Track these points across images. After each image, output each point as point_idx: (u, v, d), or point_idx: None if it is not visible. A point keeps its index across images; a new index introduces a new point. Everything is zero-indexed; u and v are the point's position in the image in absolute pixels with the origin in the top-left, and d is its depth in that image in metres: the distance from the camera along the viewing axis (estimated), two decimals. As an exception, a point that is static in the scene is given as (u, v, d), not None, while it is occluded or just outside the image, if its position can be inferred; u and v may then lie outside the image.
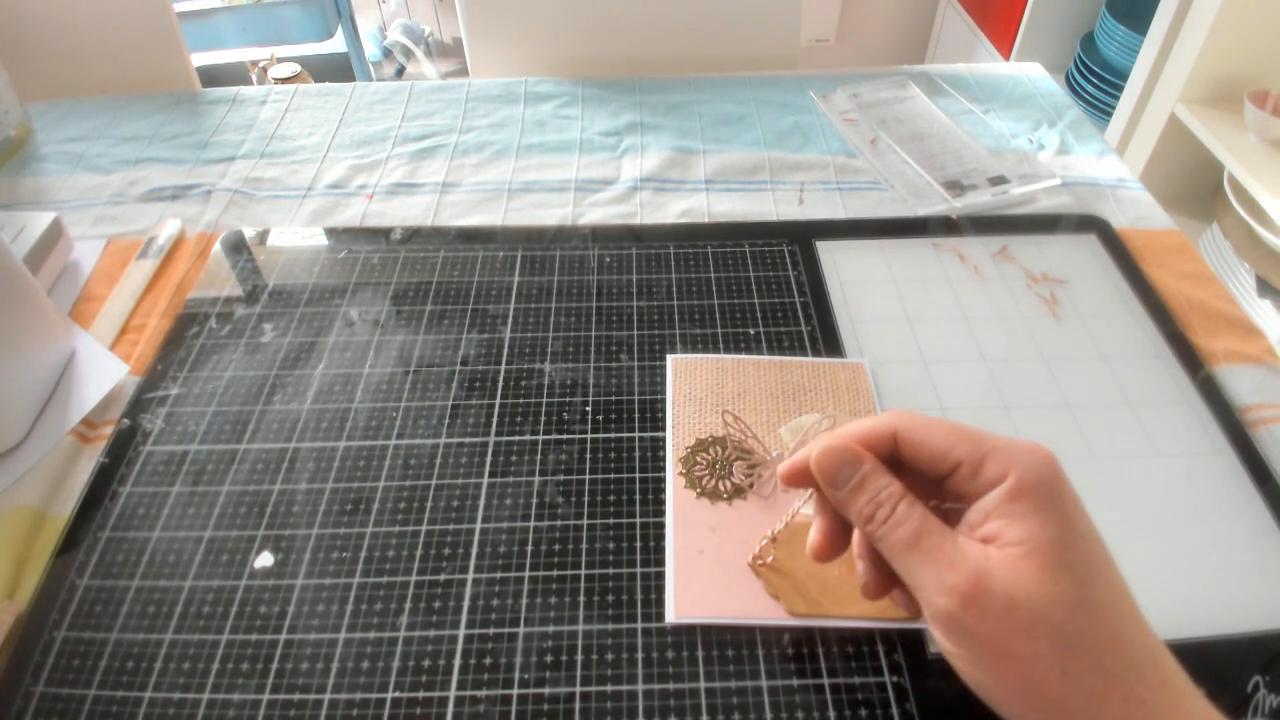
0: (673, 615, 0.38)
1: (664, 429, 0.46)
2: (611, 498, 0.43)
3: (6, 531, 0.42)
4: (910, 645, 0.37)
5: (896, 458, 0.30)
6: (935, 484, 0.30)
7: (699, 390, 0.48)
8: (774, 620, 0.37)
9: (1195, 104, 1.26)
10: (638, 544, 0.41)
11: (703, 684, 0.36)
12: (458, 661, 0.37)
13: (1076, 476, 0.29)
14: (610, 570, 0.40)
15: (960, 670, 0.27)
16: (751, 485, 0.43)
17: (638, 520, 0.42)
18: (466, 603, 0.39)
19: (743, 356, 0.49)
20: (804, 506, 0.41)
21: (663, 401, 0.48)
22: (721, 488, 0.43)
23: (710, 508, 0.42)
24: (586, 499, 0.43)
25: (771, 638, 0.37)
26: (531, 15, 0.87)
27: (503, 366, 0.51)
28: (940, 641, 0.28)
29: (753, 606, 0.38)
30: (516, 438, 0.46)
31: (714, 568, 0.39)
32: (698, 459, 0.44)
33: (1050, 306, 0.55)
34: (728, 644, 0.37)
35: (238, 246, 0.60)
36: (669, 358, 0.50)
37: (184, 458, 0.46)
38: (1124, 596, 0.26)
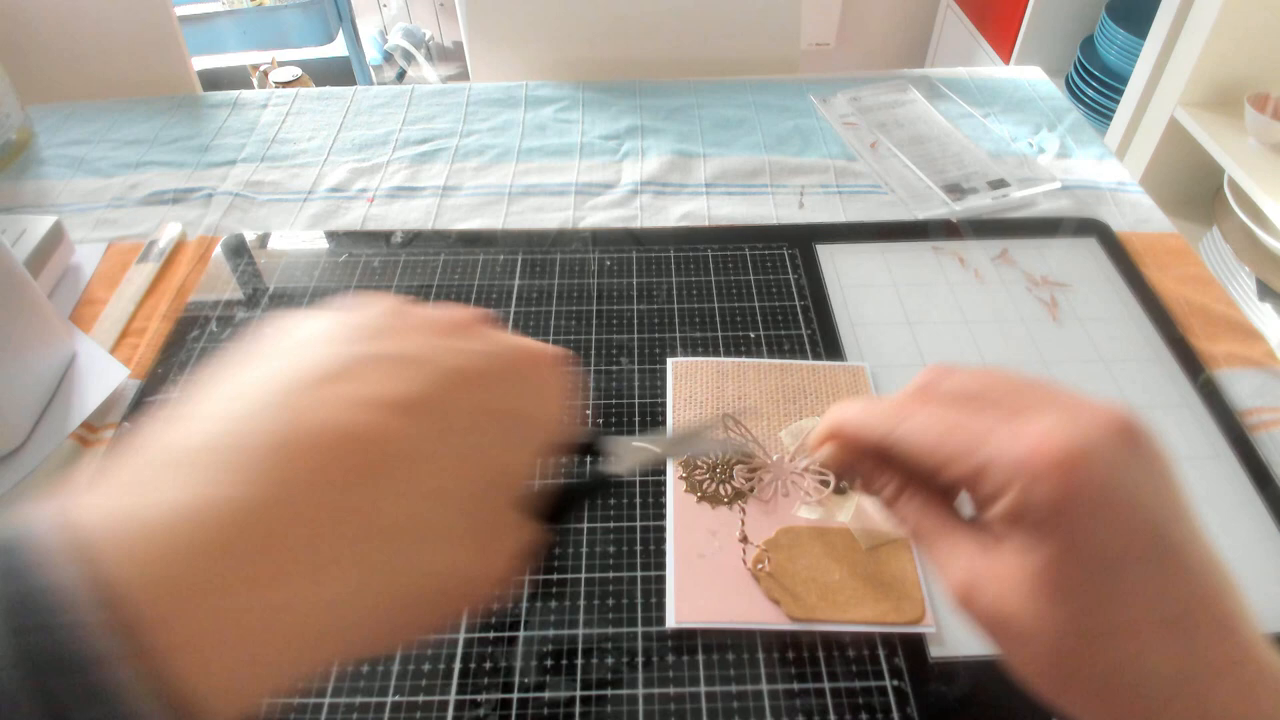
0: (673, 620, 0.38)
1: (664, 432, 0.46)
2: (612, 501, 0.43)
3: (7, 535, 0.42)
4: (911, 650, 0.37)
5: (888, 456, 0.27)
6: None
7: (699, 394, 0.48)
8: (774, 625, 0.37)
9: (1195, 107, 1.26)
10: (638, 548, 0.41)
11: (703, 688, 0.36)
12: (458, 665, 0.37)
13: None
14: (610, 574, 0.40)
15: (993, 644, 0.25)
16: (752, 489, 0.43)
17: (638, 524, 0.42)
18: (467, 606, 0.39)
19: (743, 360, 0.49)
20: (803, 511, 0.41)
21: (663, 405, 0.48)
22: (722, 491, 0.43)
23: (711, 512, 0.42)
24: (587, 502, 0.43)
25: (772, 642, 0.37)
26: (532, 19, 0.88)
27: (503, 370, 0.50)
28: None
29: (753, 611, 0.38)
30: (517, 441, 0.46)
31: (714, 572, 0.39)
32: (698, 463, 0.44)
33: (1050, 310, 0.55)
34: (728, 648, 0.37)
35: (238, 250, 0.61)
36: (669, 361, 0.50)
37: (184, 461, 0.46)
38: (1143, 623, 0.22)
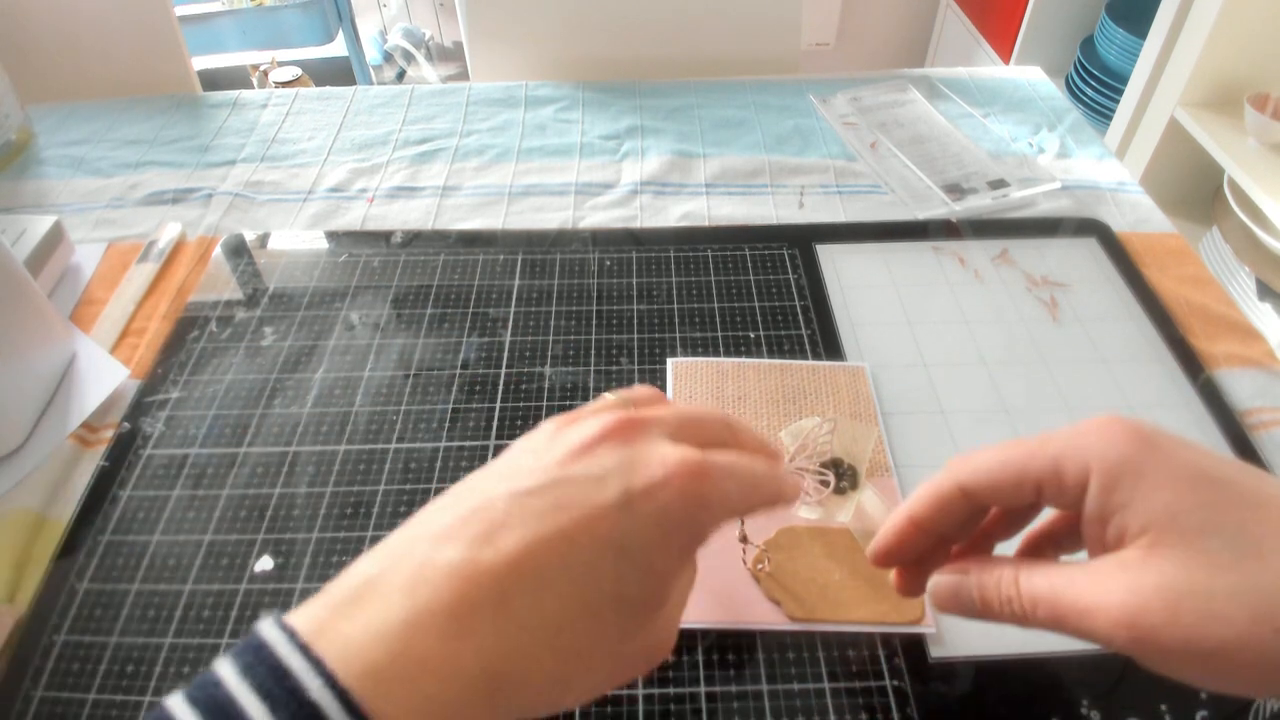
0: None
1: None
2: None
3: (6, 535, 0.42)
4: (911, 650, 0.37)
5: (977, 504, 0.28)
6: (1032, 511, 0.28)
7: (699, 394, 0.48)
8: (774, 625, 0.37)
9: (1195, 107, 1.26)
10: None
11: (703, 688, 0.36)
12: (458, 665, 0.37)
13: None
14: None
15: (1190, 684, 0.23)
16: None
17: (638, 524, 0.42)
18: (467, 607, 0.39)
19: (743, 360, 0.49)
20: (803, 511, 0.41)
21: (663, 405, 0.48)
22: None
23: None
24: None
25: (772, 642, 0.37)
26: (532, 19, 0.88)
27: (503, 370, 0.51)
28: (1155, 669, 0.24)
29: (753, 611, 0.38)
30: (517, 441, 0.46)
31: (714, 573, 0.39)
32: None
33: (1050, 310, 0.55)
34: (728, 648, 0.37)
35: (238, 250, 0.61)
36: (669, 361, 0.50)
37: (184, 461, 0.46)
38: None
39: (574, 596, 0.23)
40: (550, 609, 0.23)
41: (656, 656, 0.27)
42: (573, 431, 0.26)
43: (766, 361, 0.50)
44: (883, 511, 0.41)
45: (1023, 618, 0.25)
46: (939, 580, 0.28)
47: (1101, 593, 0.23)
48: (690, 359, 0.50)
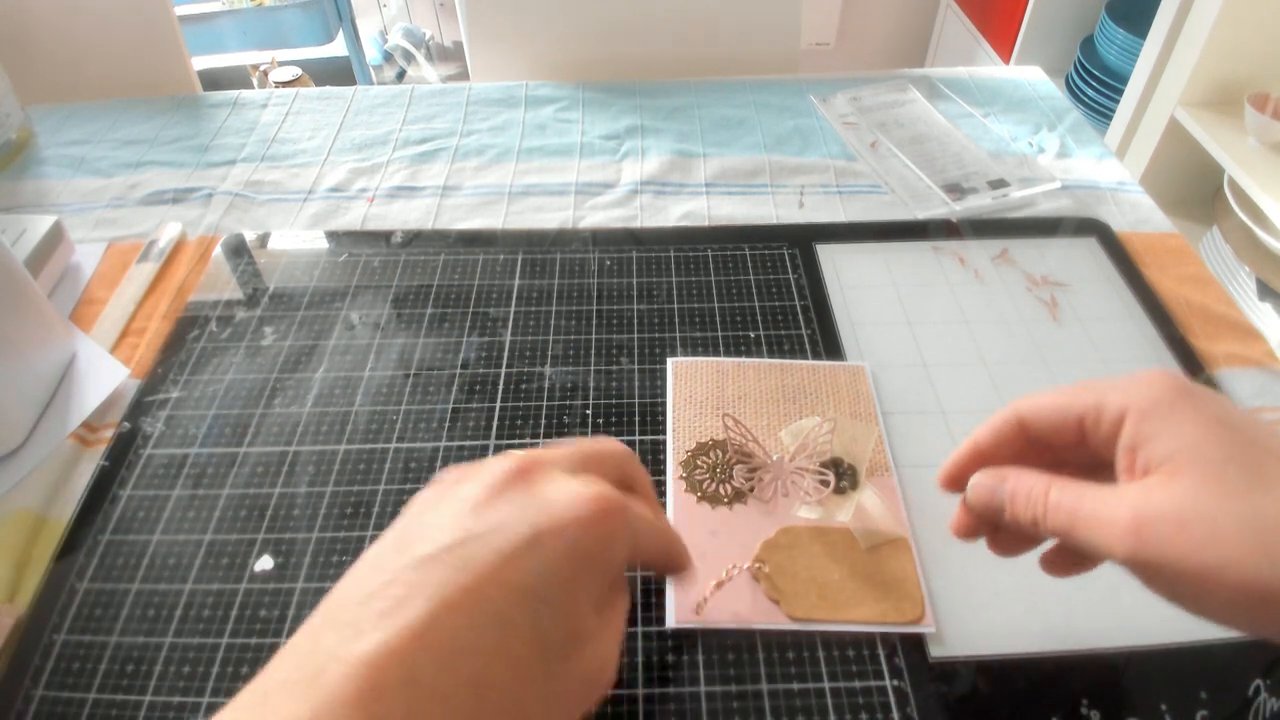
0: (673, 620, 0.37)
1: (664, 432, 0.46)
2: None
3: (6, 535, 0.42)
4: (911, 650, 0.37)
5: (1032, 440, 0.30)
6: (1079, 452, 0.29)
7: (699, 393, 0.48)
8: (775, 625, 0.37)
9: (1195, 107, 1.26)
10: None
11: (703, 688, 0.36)
12: (458, 665, 0.37)
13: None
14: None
15: (1163, 596, 0.25)
16: (752, 489, 0.43)
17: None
18: (467, 606, 0.39)
19: (743, 360, 0.49)
20: (802, 511, 0.41)
21: (663, 405, 0.48)
22: (722, 491, 0.42)
23: (711, 512, 0.42)
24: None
25: (772, 641, 0.37)
26: (532, 19, 0.88)
27: (503, 370, 0.51)
28: (1146, 585, 0.26)
29: (754, 611, 0.38)
30: (517, 441, 0.46)
31: (715, 572, 0.39)
32: (698, 463, 0.44)
33: (1050, 310, 0.55)
34: (728, 648, 0.37)
35: (238, 250, 0.61)
36: (669, 361, 0.50)
37: (184, 461, 0.46)
38: None
39: (493, 651, 0.23)
40: (467, 671, 0.22)
41: (596, 690, 0.27)
42: (470, 485, 0.27)
43: (766, 361, 0.50)
44: (882, 511, 0.41)
45: (1039, 521, 0.28)
46: (978, 479, 0.30)
47: (1115, 505, 0.25)
48: (690, 359, 0.50)
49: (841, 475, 0.43)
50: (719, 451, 0.44)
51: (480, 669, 0.22)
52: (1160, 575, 0.24)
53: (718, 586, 0.38)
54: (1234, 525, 0.23)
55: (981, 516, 0.31)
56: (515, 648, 0.23)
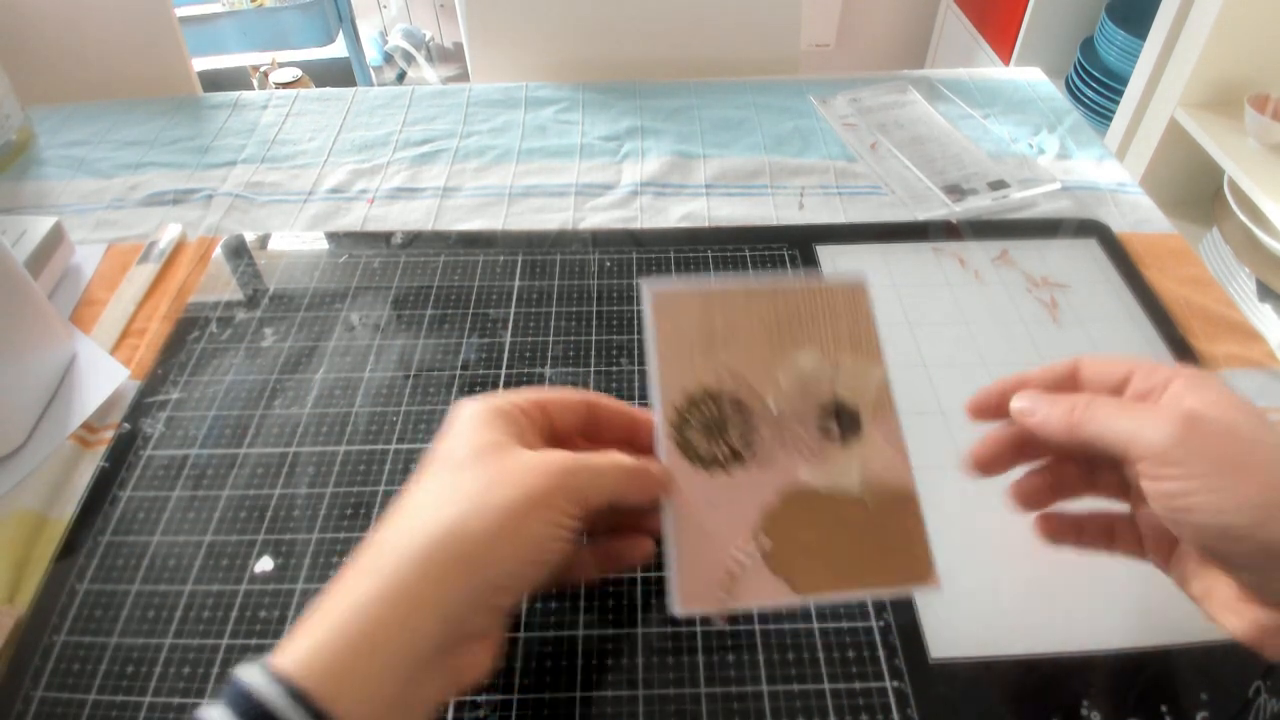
0: (679, 607, 0.34)
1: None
2: (612, 502, 0.43)
3: (7, 535, 0.42)
4: (911, 650, 0.37)
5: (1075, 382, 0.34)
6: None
7: (685, 330, 0.39)
8: (786, 601, 0.34)
9: (1195, 108, 1.26)
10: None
11: (703, 689, 0.36)
12: (458, 666, 0.37)
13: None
14: (610, 575, 0.40)
15: (1193, 503, 0.28)
16: (752, 450, 0.37)
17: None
18: (467, 607, 0.39)
19: (730, 283, 0.40)
20: (803, 471, 0.37)
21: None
22: (718, 453, 0.37)
23: (709, 480, 0.36)
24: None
25: (772, 642, 0.37)
26: (533, 20, 0.88)
27: (503, 371, 0.51)
28: (1161, 484, 0.28)
29: (762, 589, 0.34)
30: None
31: (716, 550, 0.35)
32: (690, 419, 0.38)
33: (1051, 311, 0.55)
34: (728, 648, 0.37)
35: (238, 251, 0.61)
36: (645, 289, 0.39)
37: (184, 462, 0.46)
38: None
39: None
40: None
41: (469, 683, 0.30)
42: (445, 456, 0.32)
43: (756, 284, 0.41)
44: (888, 460, 0.37)
45: (1078, 417, 0.31)
46: (1028, 391, 0.34)
47: (1165, 404, 0.30)
48: (671, 286, 0.40)
49: (844, 422, 0.38)
50: (712, 403, 0.38)
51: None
52: (1195, 460, 0.27)
53: (730, 579, 0.35)
54: (1270, 450, 0.27)
55: (1013, 434, 0.34)
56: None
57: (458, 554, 0.27)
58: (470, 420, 0.32)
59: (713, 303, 0.41)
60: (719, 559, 0.35)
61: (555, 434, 0.35)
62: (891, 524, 0.36)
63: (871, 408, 0.38)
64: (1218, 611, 0.30)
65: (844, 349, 0.40)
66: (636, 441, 0.36)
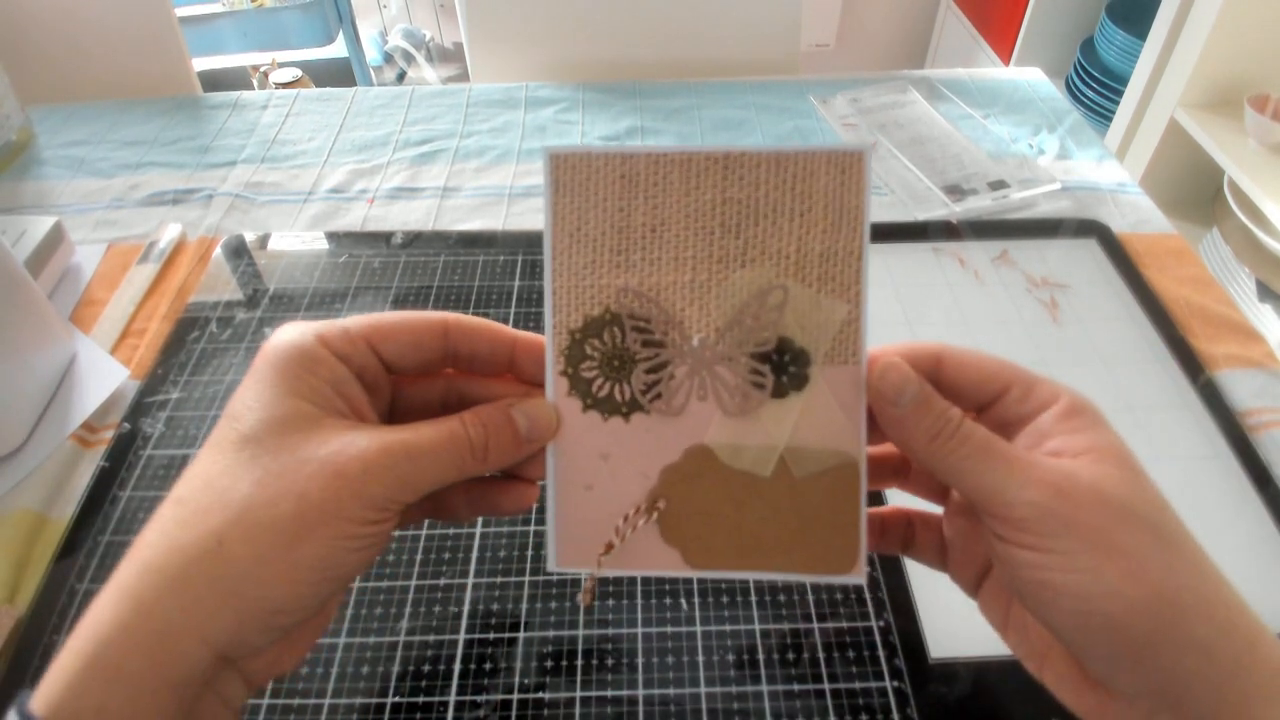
0: (554, 563, 0.30)
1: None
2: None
3: (7, 535, 0.42)
4: (911, 650, 0.37)
5: (936, 382, 0.28)
6: (973, 412, 0.28)
7: (594, 222, 0.29)
8: (674, 572, 0.30)
9: (1195, 109, 1.27)
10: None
11: (703, 689, 0.36)
12: (458, 666, 0.37)
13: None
14: (610, 573, 0.40)
15: (1050, 579, 0.24)
16: (659, 393, 0.29)
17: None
18: (467, 607, 0.39)
19: (665, 149, 0.29)
20: (716, 424, 0.29)
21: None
22: (618, 395, 0.29)
23: (602, 426, 0.30)
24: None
25: (772, 642, 0.37)
26: (533, 20, 0.88)
27: (503, 371, 0.50)
28: (1017, 552, 0.24)
29: (649, 556, 0.30)
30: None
31: (604, 507, 0.30)
32: (587, 349, 0.30)
33: (1050, 311, 0.55)
34: (728, 649, 0.37)
35: (238, 251, 0.61)
36: (547, 154, 0.29)
37: (184, 462, 0.46)
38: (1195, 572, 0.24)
39: None
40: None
41: None
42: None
43: (704, 151, 0.28)
44: (832, 419, 0.28)
45: (943, 442, 0.26)
46: (897, 360, 0.27)
47: (1039, 457, 0.25)
48: (582, 148, 0.29)
49: (785, 365, 0.29)
50: (616, 331, 0.29)
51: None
52: (1064, 534, 0.23)
53: (607, 550, 0.29)
54: (1142, 524, 0.23)
55: (877, 408, 0.27)
56: None
57: (215, 577, 0.23)
58: (273, 370, 0.26)
59: (636, 178, 0.29)
60: (605, 518, 0.30)
61: (384, 379, 0.29)
62: (817, 499, 0.29)
63: (827, 354, 0.29)
64: (1052, 681, 0.26)
65: (810, 264, 0.29)
66: (517, 370, 0.30)
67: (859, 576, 0.29)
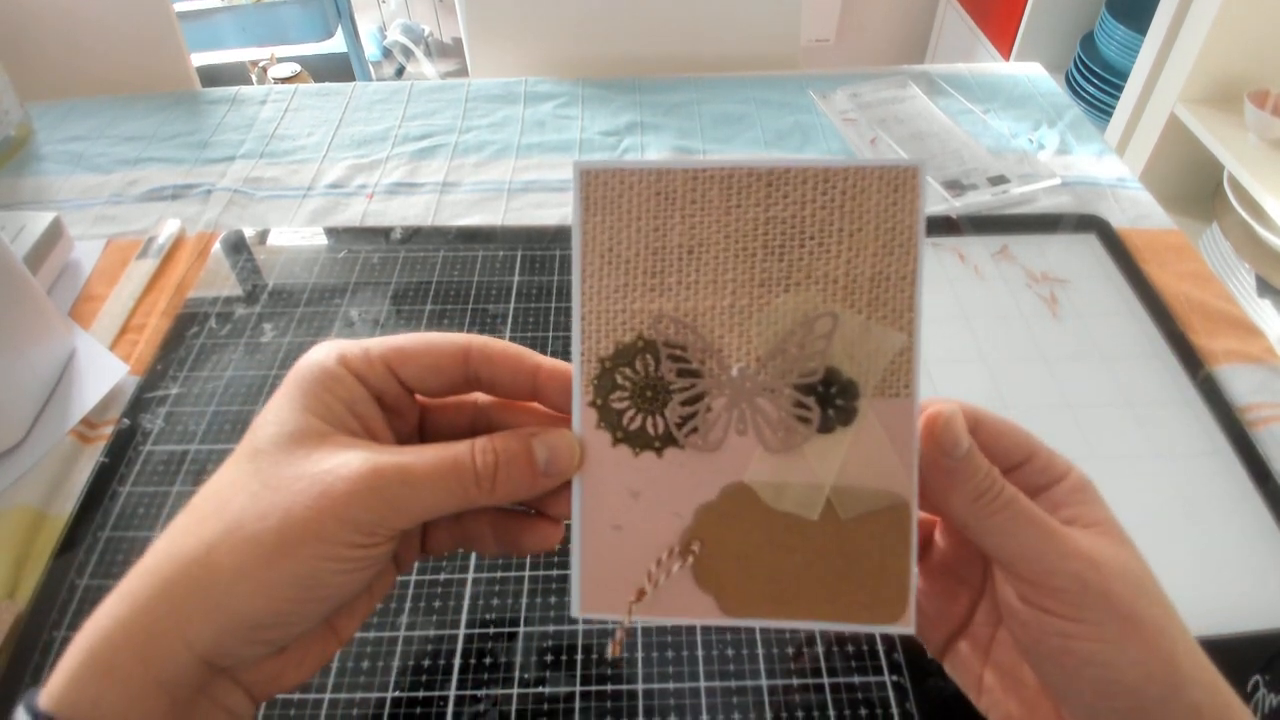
0: (578, 609, 0.28)
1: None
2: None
3: (6, 531, 0.42)
4: (911, 645, 0.37)
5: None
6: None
7: (627, 242, 0.27)
8: (705, 620, 0.28)
9: (1195, 104, 1.26)
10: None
11: (703, 683, 0.36)
12: (458, 661, 0.37)
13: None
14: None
15: (1076, 648, 0.24)
16: (694, 427, 0.27)
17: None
18: (467, 602, 0.39)
19: (702, 164, 0.27)
20: (754, 464, 0.28)
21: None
22: (651, 428, 0.27)
23: (633, 461, 0.28)
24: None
25: (772, 637, 0.37)
26: (532, 15, 0.87)
27: (503, 366, 0.50)
28: (1053, 621, 0.25)
29: (681, 603, 0.28)
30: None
31: (634, 549, 0.28)
32: (618, 379, 0.27)
33: (1050, 306, 0.55)
34: (727, 643, 0.37)
35: (237, 246, 0.60)
36: (576, 169, 0.27)
37: (184, 457, 0.46)
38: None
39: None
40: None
41: None
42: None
43: (745, 167, 0.27)
44: (883, 457, 0.27)
45: (989, 501, 0.26)
46: (957, 407, 0.26)
47: (1072, 530, 0.26)
48: (614, 165, 0.27)
49: (832, 397, 0.27)
50: (649, 359, 0.27)
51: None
52: (1098, 605, 0.24)
53: (639, 597, 0.27)
54: (1154, 599, 0.25)
55: (930, 457, 0.26)
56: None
57: (197, 587, 0.23)
58: (296, 387, 0.26)
59: (673, 195, 0.27)
60: (634, 560, 0.28)
61: (407, 401, 0.28)
62: (865, 542, 0.27)
63: (877, 386, 0.27)
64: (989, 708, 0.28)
65: (860, 288, 0.28)
66: (541, 397, 0.28)
67: (908, 626, 0.27)
